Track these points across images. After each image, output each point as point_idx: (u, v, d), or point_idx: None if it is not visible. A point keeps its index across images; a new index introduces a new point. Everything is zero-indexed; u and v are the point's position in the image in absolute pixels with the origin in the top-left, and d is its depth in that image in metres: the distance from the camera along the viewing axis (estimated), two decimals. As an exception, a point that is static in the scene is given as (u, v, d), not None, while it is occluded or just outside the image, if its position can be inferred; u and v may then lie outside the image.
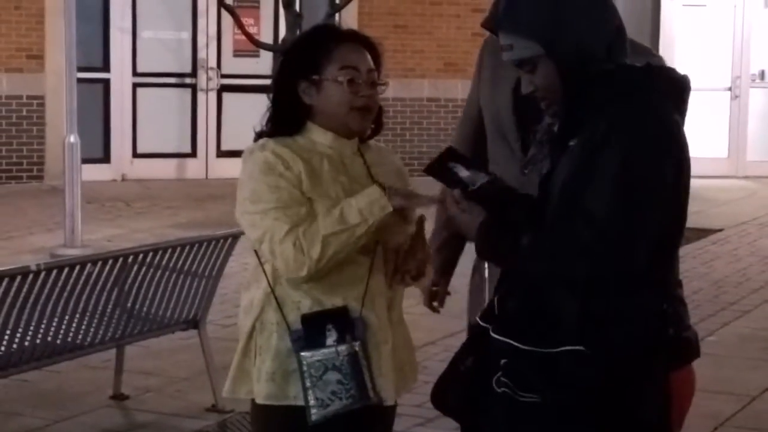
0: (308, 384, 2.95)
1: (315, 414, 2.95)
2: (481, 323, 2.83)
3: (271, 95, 3.10)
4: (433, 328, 6.45)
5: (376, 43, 3.13)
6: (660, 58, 3.40)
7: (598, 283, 2.61)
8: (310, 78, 3.03)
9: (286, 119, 3.06)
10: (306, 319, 2.97)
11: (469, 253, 3.47)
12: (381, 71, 3.10)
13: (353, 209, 2.94)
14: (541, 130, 2.82)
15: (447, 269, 3.69)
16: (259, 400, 3.04)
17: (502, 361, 2.68)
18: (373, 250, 3.03)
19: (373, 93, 3.05)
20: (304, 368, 2.95)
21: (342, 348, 2.95)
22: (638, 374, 2.63)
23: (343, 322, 2.97)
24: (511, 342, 2.67)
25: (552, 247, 2.61)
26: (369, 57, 3.07)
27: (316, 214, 2.96)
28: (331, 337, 2.96)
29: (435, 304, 3.68)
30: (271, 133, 3.07)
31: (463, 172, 2.81)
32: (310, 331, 2.96)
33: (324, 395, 2.95)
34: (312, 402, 2.95)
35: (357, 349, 2.97)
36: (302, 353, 2.95)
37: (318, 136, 3.06)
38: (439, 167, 2.84)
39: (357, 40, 3.10)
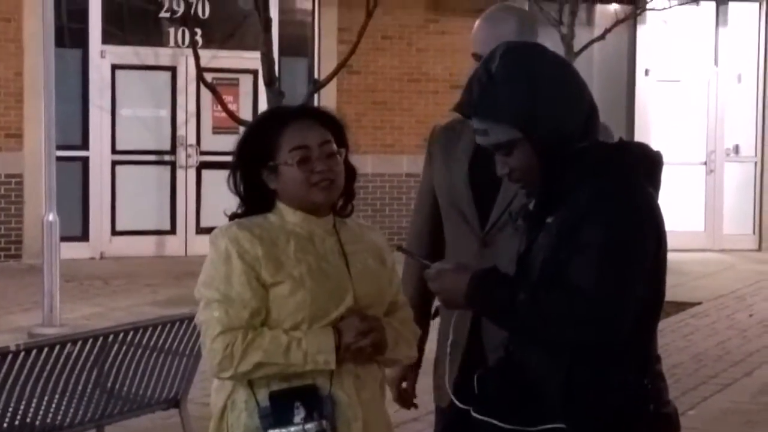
0: None
1: None
2: (458, 404, 2.82)
3: (232, 181, 3.10)
4: (417, 403, 6.40)
5: (329, 112, 3.15)
6: (610, 132, 3.46)
7: (582, 358, 2.62)
8: (268, 165, 3.05)
9: (256, 203, 3.08)
10: (274, 396, 2.97)
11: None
12: (345, 136, 3.12)
13: (300, 349, 2.95)
14: (516, 209, 2.86)
15: (414, 363, 3.65)
16: (231, 478, 3.03)
17: None
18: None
19: (332, 164, 3.05)
20: None
21: (309, 426, 2.94)
22: None
23: (312, 399, 2.97)
24: (494, 422, 2.66)
25: (544, 313, 2.62)
26: (322, 129, 3.08)
27: (262, 317, 2.97)
28: (299, 415, 2.95)
29: (407, 394, 3.68)
30: (244, 215, 3.09)
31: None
32: (278, 408, 2.96)
33: None
34: None
35: (325, 427, 2.96)
36: (270, 431, 2.95)
37: (289, 216, 3.08)
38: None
39: (307, 115, 3.12)
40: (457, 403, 2.85)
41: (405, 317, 3.19)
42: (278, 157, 3.04)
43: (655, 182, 2.76)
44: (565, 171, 2.69)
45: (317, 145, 3.05)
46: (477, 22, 3.54)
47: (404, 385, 3.69)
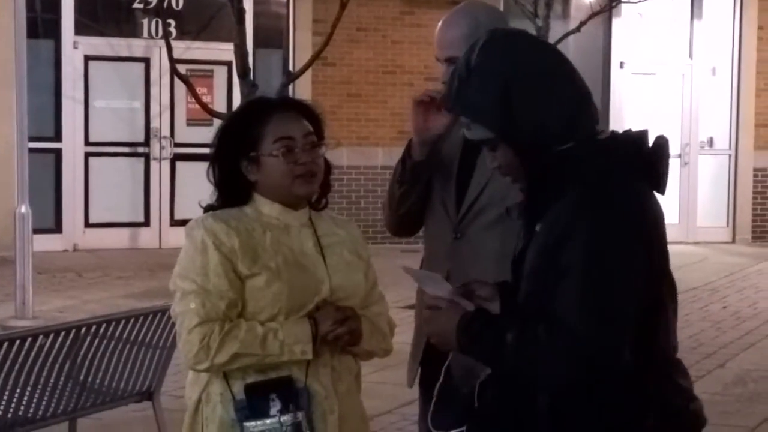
0: None
1: None
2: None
3: (211, 172, 3.09)
4: (390, 397, 6.41)
5: (309, 105, 3.14)
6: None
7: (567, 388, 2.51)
8: (249, 155, 3.03)
9: (232, 195, 3.07)
10: (249, 388, 2.96)
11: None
12: (323, 130, 3.11)
13: (277, 340, 2.94)
14: (515, 207, 2.71)
15: None
16: (205, 472, 3.02)
17: None
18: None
19: (314, 156, 3.05)
20: None
21: (285, 418, 2.94)
22: None
23: (288, 392, 2.96)
24: None
25: (532, 355, 2.48)
26: (304, 121, 3.07)
27: (238, 309, 2.96)
28: (275, 407, 2.94)
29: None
30: (220, 207, 3.07)
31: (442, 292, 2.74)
32: (254, 401, 2.95)
33: None
34: None
35: (300, 419, 2.95)
36: (245, 423, 2.94)
37: (265, 208, 3.06)
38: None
39: (289, 107, 3.11)
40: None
41: (380, 311, 3.18)
42: (261, 148, 3.02)
43: (653, 175, 2.59)
44: (550, 175, 2.55)
45: (301, 137, 3.04)
46: (438, 25, 3.54)
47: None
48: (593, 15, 12.97)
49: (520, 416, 2.57)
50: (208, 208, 3.09)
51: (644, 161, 2.60)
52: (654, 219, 2.58)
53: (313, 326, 2.97)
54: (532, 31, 12.27)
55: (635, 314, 2.49)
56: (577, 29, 12.72)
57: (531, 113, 2.53)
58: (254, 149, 3.03)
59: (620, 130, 2.71)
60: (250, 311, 2.98)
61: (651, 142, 2.63)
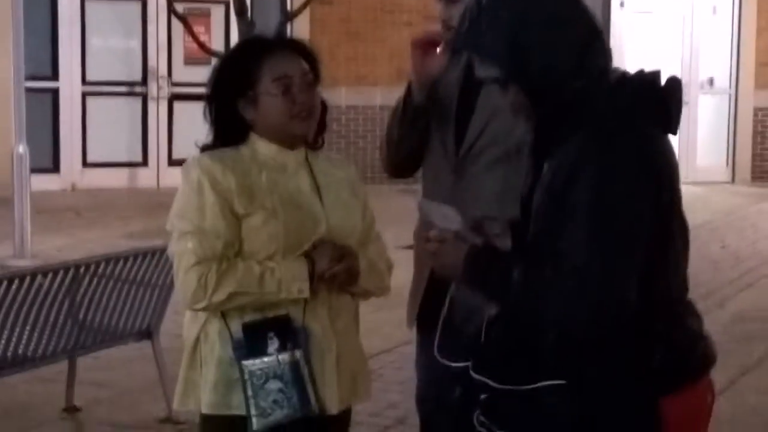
0: (250, 393, 2.94)
1: (256, 423, 2.94)
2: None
3: (207, 112, 3.07)
4: (388, 336, 6.44)
5: (306, 45, 3.13)
6: None
7: (610, 328, 2.50)
8: (246, 94, 3.02)
9: (229, 135, 3.06)
10: (247, 327, 2.97)
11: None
12: (319, 69, 3.09)
13: (274, 278, 2.94)
14: (524, 145, 2.72)
15: None
16: (204, 410, 3.03)
17: (481, 396, 2.61)
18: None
19: (312, 95, 3.05)
20: (246, 377, 2.94)
21: (283, 356, 2.94)
22: (622, 403, 2.53)
23: (285, 330, 2.97)
24: (489, 382, 2.59)
25: (538, 291, 2.49)
26: (301, 60, 3.06)
27: (235, 249, 2.96)
28: (273, 346, 2.95)
29: None
30: (216, 147, 3.06)
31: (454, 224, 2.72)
32: (252, 339, 2.95)
33: (266, 404, 2.93)
34: (253, 411, 2.94)
35: (298, 357, 2.96)
36: (243, 362, 2.95)
37: (262, 147, 3.06)
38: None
39: (286, 46, 3.10)
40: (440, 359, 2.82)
41: (378, 249, 3.18)
42: (259, 87, 3.01)
43: (665, 117, 2.58)
44: (558, 116, 2.56)
45: (299, 76, 3.03)
46: None
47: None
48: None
49: (525, 353, 2.57)
50: (204, 148, 3.08)
51: (656, 102, 2.59)
52: (664, 160, 2.57)
53: (310, 264, 2.97)
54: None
55: (641, 255, 2.49)
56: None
57: (540, 53, 2.54)
58: (252, 88, 3.01)
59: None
60: (247, 251, 2.97)
61: (663, 82, 2.62)
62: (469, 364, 2.70)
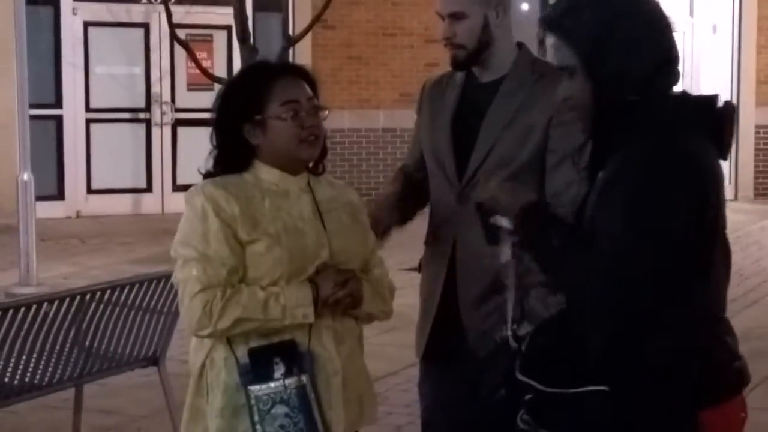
0: (256, 418, 2.94)
1: None
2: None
3: (213, 137, 3.09)
4: (394, 359, 6.43)
5: (308, 70, 3.15)
6: None
7: (623, 321, 2.57)
8: (253, 119, 3.03)
9: (232, 160, 3.07)
10: (253, 352, 2.97)
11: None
12: (319, 96, 3.11)
13: (278, 304, 2.95)
14: (578, 156, 2.82)
15: (397, 216, 3.55)
16: (211, 437, 3.03)
17: (526, 397, 2.66)
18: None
19: (318, 120, 3.06)
20: (252, 402, 2.94)
21: (290, 381, 2.95)
22: (662, 415, 2.58)
23: (291, 355, 2.97)
24: (535, 384, 2.64)
25: (569, 267, 2.60)
26: (306, 85, 3.08)
27: (239, 275, 2.97)
28: (279, 371, 2.95)
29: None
30: (218, 174, 3.07)
31: (504, 222, 2.82)
32: (258, 364, 2.96)
33: (272, 429, 2.93)
34: None
35: (305, 381, 2.96)
36: (250, 387, 2.95)
37: (264, 174, 3.07)
38: (483, 226, 2.87)
39: (291, 72, 3.12)
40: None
41: (381, 274, 3.19)
42: (267, 111, 3.02)
43: (719, 139, 2.65)
44: (617, 124, 2.64)
45: (305, 101, 3.05)
46: None
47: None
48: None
49: (571, 358, 2.61)
50: (207, 175, 3.09)
51: (712, 124, 2.66)
52: (712, 178, 2.63)
53: (314, 290, 2.98)
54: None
55: (669, 257, 2.53)
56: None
57: (622, 54, 2.63)
58: (259, 112, 3.02)
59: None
60: (251, 277, 2.98)
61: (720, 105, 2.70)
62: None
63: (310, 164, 3.14)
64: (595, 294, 2.55)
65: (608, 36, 2.62)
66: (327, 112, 3.10)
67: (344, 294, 3.01)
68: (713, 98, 2.70)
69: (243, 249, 2.97)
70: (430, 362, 3.59)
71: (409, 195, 3.59)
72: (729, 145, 2.69)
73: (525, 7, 14.08)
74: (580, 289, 2.60)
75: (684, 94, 2.72)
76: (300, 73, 3.12)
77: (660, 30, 2.69)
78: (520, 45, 3.52)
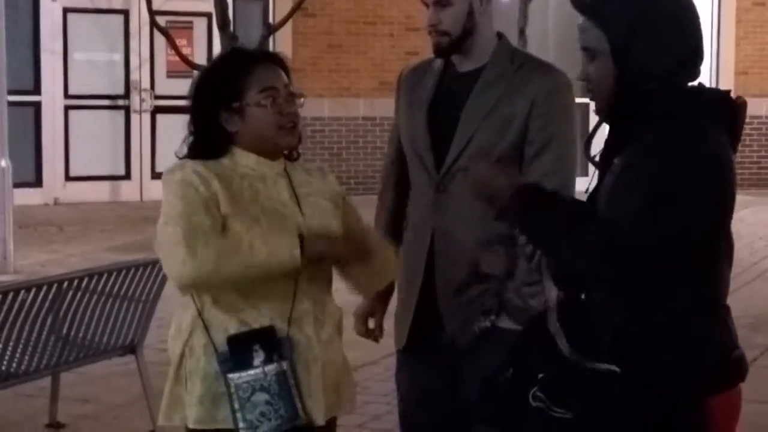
0: (236, 406, 2.92)
1: None
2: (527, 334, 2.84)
3: (190, 124, 3.07)
4: (373, 348, 6.41)
5: (283, 57, 3.14)
6: (564, 75, 3.45)
7: (638, 305, 2.60)
8: (231, 106, 3.01)
9: (208, 147, 3.05)
10: (232, 340, 2.95)
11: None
12: (292, 83, 3.11)
13: (264, 245, 2.90)
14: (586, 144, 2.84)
15: (383, 297, 3.68)
16: (190, 425, 3.02)
17: (539, 376, 2.68)
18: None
19: (295, 107, 3.06)
20: (232, 390, 2.93)
21: (269, 368, 2.93)
22: (671, 399, 2.61)
23: (270, 341, 2.95)
24: (563, 341, 2.66)
25: (582, 241, 2.61)
26: (282, 73, 3.08)
27: (225, 230, 2.94)
28: (258, 358, 2.94)
29: (372, 328, 3.68)
30: (194, 158, 3.05)
31: None
32: (237, 352, 2.94)
33: (253, 417, 2.92)
34: (241, 425, 2.92)
35: (285, 368, 2.95)
36: (229, 375, 2.93)
37: (242, 158, 3.05)
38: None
39: (267, 59, 3.11)
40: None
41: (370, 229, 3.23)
42: (246, 98, 3.01)
43: (733, 131, 2.70)
44: (637, 111, 2.67)
45: (282, 88, 3.05)
46: None
47: (371, 321, 3.68)
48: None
49: (584, 348, 2.63)
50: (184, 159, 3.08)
51: (727, 118, 2.70)
52: (731, 170, 2.67)
53: (300, 238, 2.95)
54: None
55: (687, 237, 2.57)
56: (559, -22, 12.65)
57: (652, 45, 2.65)
58: (238, 99, 3.01)
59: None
60: None
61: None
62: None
63: (287, 150, 3.13)
64: (608, 265, 2.58)
65: (642, 26, 2.65)
66: (303, 99, 3.09)
67: (328, 249, 2.99)
68: (727, 93, 2.74)
69: (224, 221, 2.95)
70: (408, 352, 3.59)
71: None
72: (739, 139, 2.73)
73: (506, -4, 14.07)
74: (590, 262, 2.61)
75: (701, 87, 2.76)
76: (275, 60, 3.12)
77: (690, 23, 2.72)
78: (499, 35, 3.51)
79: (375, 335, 3.70)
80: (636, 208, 2.55)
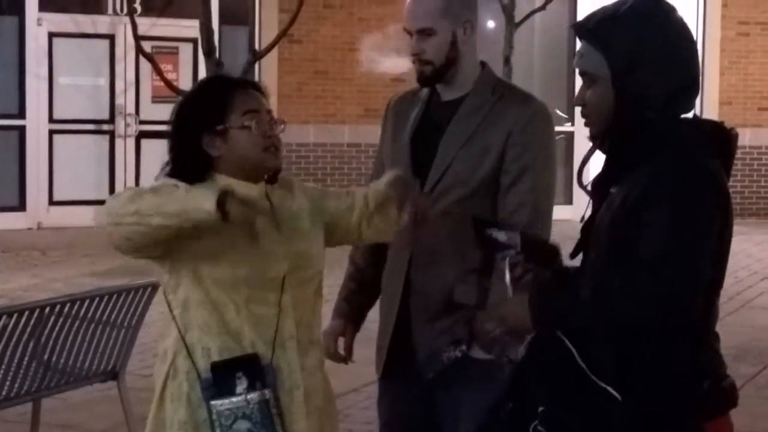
0: None
1: None
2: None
3: (170, 150, 3.06)
4: (356, 374, 6.41)
5: (262, 85, 3.15)
6: (543, 105, 3.47)
7: (640, 333, 2.60)
8: (214, 129, 3.01)
9: (188, 172, 3.03)
10: (215, 366, 2.95)
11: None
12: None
13: (182, 195, 2.84)
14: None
15: (354, 318, 3.68)
16: (172, 451, 3.01)
17: (540, 409, 2.66)
18: (281, 292, 3.01)
19: (277, 131, 3.07)
20: (214, 417, 2.92)
21: (252, 396, 2.93)
22: (669, 426, 2.62)
23: (254, 369, 2.95)
24: (573, 351, 2.64)
25: (611, 296, 2.58)
26: (263, 98, 3.09)
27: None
28: (242, 385, 2.93)
29: (341, 352, 3.67)
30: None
31: (501, 235, 2.83)
32: (220, 379, 2.94)
33: None
34: None
35: (267, 396, 2.94)
36: (212, 402, 2.93)
37: (222, 182, 3.02)
38: (479, 239, 2.86)
39: (248, 85, 3.13)
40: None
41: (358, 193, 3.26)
42: (230, 121, 3.01)
43: (726, 161, 2.72)
44: (635, 139, 2.67)
45: (265, 112, 3.06)
46: None
47: (341, 341, 3.67)
48: (559, -7, 12.96)
49: (586, 372, 2.62)
50: None
51: (722, 148, 2.72)
52: (728, 198, 2.68)
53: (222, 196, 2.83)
54: (498, 8, 12.27)
55: (708, 270, 2.60)
56: (543, 7, 12.72)
57: (652, 72, 2.66)
58: (221, 122, 3.01)
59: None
60: (209, 276, 2.96)
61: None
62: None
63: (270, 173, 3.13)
64: (633, 313, 2.56)
65: (643, 53, 2.66)
66: (284, 125, 3.10)
67: (249, 211, 2.87)
68: (721, 124, 2.76)
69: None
70: (388, 379, 3.59)
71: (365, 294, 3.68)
72: (731, 170, 2.75)
73: (491, 25, 14.12)
74: (618, 314, 2.57)
75: (697, 118, 2.78)
76: (257, 87, 3.14)
77: (689, 53, 2.74)
78: (483, 64, 3.52)
79: (344, 357, 3.68)
80: (660, 248, 2.54)
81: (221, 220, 2.80)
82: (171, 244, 2.94)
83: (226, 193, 2.82)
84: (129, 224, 2.90)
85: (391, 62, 12.37)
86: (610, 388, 2.59)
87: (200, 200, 2.81)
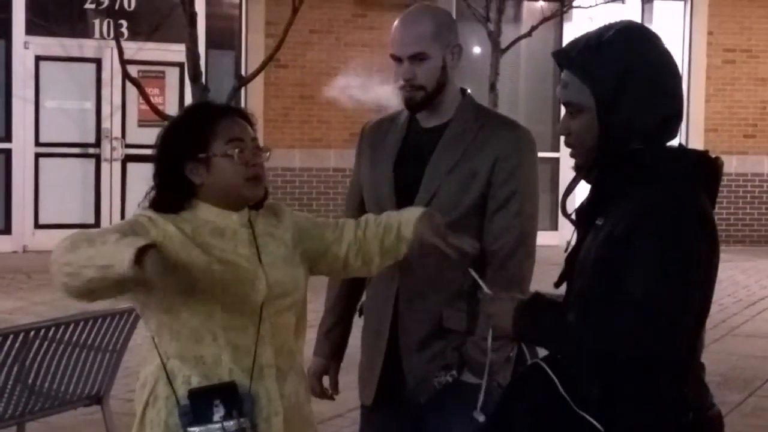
0: None
1: None
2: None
3: (154, 176, 3.06)
4: (340, 400, 6.39)
5: (248, 113, 3.14)
6: (527, 131, 3.48)
7: (624, 366, 2.57)
8: (197, 157, 3.01)
9: (171, 199, 3.03)
10: (193, 394, 2.94)
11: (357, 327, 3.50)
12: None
13: (111, 248, 2.75)
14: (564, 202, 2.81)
15: (336, 354, 3.68)
16: (150, 477, 3.00)
17: None
18: (259, 320, 3.00)
19: (261, 160, 3.06)
20: None
21: (228, 424, 2.92)
22: None
23: (232, 397, 2.94)
24: (557, 382, 2.63)
25: (595, 329, 2.55)
26: (248, 126, 3.08)
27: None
28: (219, 413, 2.92)
29: (327, 390, 3.68)
30: (156, 211, 3.03)
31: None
32: (198, 406, 2.93)
33: None
34: None
35: (245, 426, 2.94)
36: (189, 429, 2.92)
37: (202, 212, 3.03)
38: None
39: (233, 113, 3.11)
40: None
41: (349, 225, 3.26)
42: (212, 149, 3.00)
43: (711, 190, 2.70)
44: (620, 170, 2.65)
45: (250, 140, 3.05)
46: (395, 23, 3.53)
47: (325, 378, 3.68)
48: (545, 20, 13.02)
49: (569, 403, 2.61)
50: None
51: (707, 178, 2.70)
52: (714, 228, 2.66)
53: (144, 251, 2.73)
54: (484, 34, 12.32)
55: (697, 303, 2.59)
56: (529, 34, 12.77)
57: (637, 102, 2.63)
58: (204, 150, 3.01)
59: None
60: (183, 306, 2.94)
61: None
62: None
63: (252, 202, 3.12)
64: (618, 348, 2.53)
65: (628, 82, 2.63)
66: (269, 153, 3.09)
67: (169, 273, 2.75)
68: (706, 153, 2.74)
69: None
70: (375, 408, 3.57)
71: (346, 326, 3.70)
72: (716, 200, 2.72)
73: (477, 50, 14.19)
74: (604, 347, 2.55)
75: (682, 147, 2.76)
76: (242, 115, 3.12)
77: (673, 82, 2.72)
78: (463, 91, 3.53)
79: (330, 395, 3.69)
80: (648, 283, 2.51)
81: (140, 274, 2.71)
82: (126, 286, 2.86)
83: (147, 247, 2.73)
84: (65, 274, 2.83)
85: (375, 90, 12.41)
86: (593, 420, 2.57)
87: (124, 252, 2.73)
